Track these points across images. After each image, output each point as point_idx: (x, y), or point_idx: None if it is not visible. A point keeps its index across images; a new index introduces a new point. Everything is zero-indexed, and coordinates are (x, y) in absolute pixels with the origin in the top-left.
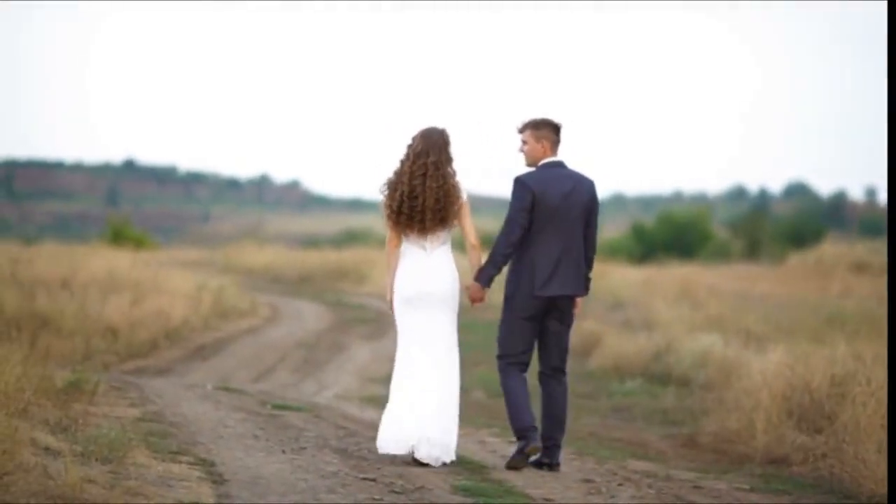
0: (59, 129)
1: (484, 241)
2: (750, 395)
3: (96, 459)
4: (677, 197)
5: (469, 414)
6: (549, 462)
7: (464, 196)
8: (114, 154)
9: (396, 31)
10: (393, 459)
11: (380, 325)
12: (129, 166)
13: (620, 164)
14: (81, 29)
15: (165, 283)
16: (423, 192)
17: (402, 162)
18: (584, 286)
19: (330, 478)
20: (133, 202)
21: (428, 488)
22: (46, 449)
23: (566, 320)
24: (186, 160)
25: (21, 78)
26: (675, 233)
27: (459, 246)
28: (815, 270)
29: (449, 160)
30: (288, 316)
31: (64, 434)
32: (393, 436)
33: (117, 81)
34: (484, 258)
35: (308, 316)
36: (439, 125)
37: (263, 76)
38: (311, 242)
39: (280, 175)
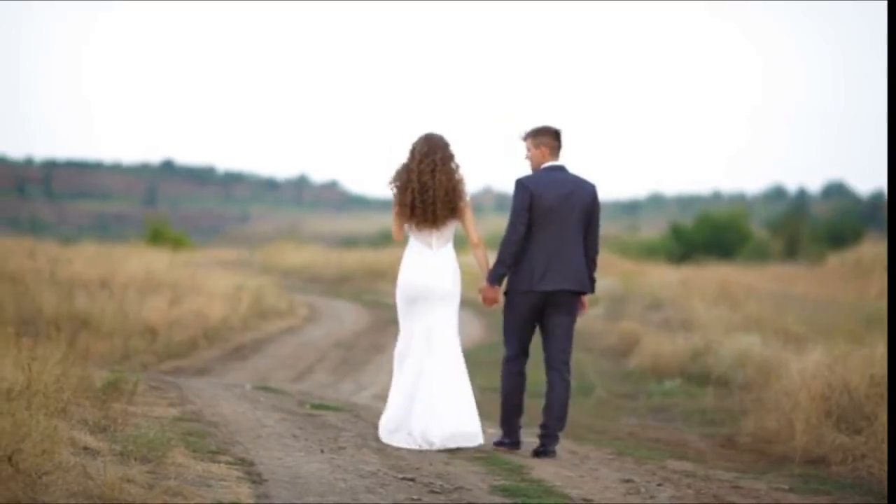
0: (98, 130)
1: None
2: (789, 396)
3: (135, 459)
4: (716, 197)
5: None
6: (544, 450)
7: (467, 195)
8: (152, 154)
9: (435, 31)
10: (432, 460)
11: None
12: (168, 166)
13: (659, 165)
14: (120, 29)
15: (204, 283)
16: (433, 185)
17: (408, 163)
18: (585, 284)
19: (369, 477)
20: (171, 202)
21: (467, 488)
22: (85, 448)
23: (567, 315)
24: (225, 160)
25: (59, 78)
26: (713, 233)
27: (461, 245)
28: (854, 271)
29: (452, 158)
30: (326, 316)
31: (103, 434)
32: (395, 426)
33: (156, 82)
34: (489, 256)
35: (346, 316)
36: (437, 131)
37: (303, 76)
38: (349, 242)
39: (318, 175)
